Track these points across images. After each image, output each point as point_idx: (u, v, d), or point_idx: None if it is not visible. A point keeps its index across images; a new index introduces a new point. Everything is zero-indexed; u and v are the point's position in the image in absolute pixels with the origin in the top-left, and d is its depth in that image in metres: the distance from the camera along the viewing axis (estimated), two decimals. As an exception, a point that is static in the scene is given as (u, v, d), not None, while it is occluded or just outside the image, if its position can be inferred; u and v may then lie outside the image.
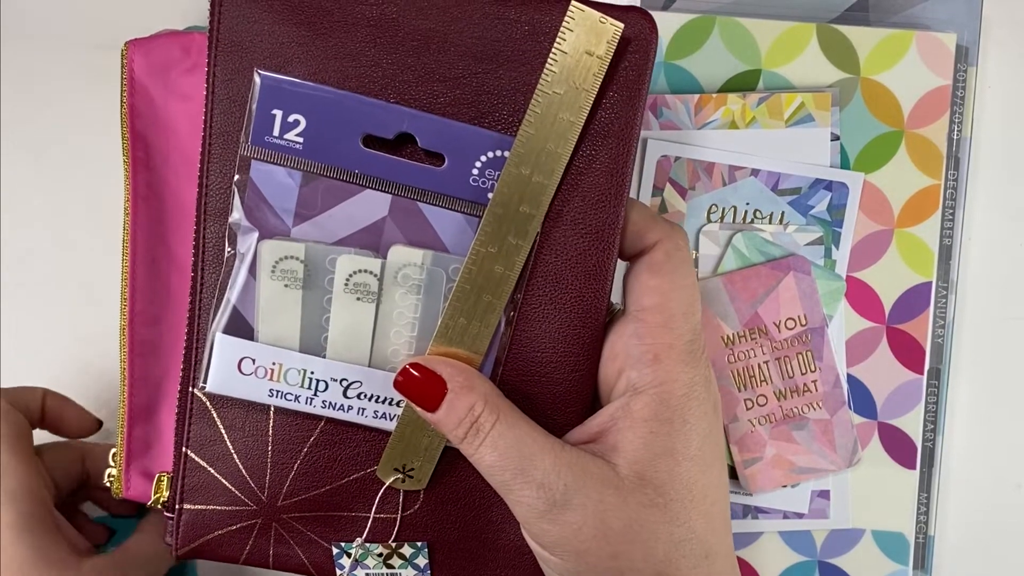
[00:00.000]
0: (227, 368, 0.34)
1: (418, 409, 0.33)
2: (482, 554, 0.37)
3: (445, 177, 0.33)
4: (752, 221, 0.45)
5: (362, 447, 0.36)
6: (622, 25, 0.32)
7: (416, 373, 0.33)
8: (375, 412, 0.35)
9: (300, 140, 0.33)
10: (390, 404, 0.35)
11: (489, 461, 0.32)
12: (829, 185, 0.45)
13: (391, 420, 0.35)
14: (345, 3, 0.33)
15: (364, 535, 0.36)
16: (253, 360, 0.34)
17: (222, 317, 0.34)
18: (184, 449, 0.36)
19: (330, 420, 0.35)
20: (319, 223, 0.34)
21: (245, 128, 0.33)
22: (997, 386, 0.50)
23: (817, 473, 0.45)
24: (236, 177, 0.34)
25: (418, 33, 0.33)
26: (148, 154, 0.43)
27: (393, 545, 0.37)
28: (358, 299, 0.34)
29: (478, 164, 0.33)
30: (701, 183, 0.45)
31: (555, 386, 0.35)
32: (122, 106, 0.43)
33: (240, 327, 0.34)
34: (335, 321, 0.34)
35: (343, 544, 0.37)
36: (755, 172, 0.45)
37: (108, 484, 0.44)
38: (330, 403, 0.35)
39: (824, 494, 0.46)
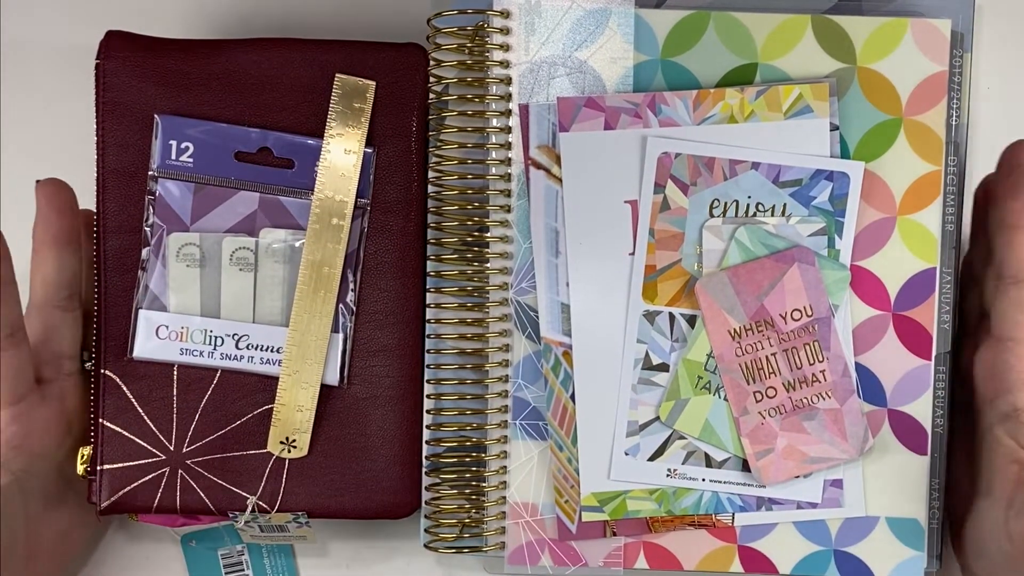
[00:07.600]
0: (148, 336, 0.46)
1: None
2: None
3: (295, 176, 0.47)
4: (754, 214, 0.45)
5: (255, 391, 0.46)
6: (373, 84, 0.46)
7: None
8: (261, 359, 0.46)
9: (191, 160, 0.46)
10: (272, 351, 0.46)
11: None
12: (830, 175, 0.45)
13: (275, 365, 0.46)
14: (198, 64, 0.46)
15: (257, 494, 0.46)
16: (167, 327, 0.46)
17: (143, 298, 0.46)
18: (100, 420, 0.46)
19: (226, 370, 0.46)
20: (209, 218, 0.46)
21: (152, 155, 0.46)
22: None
23: (829, 462, 0.45)
24: (148, 192, 0.46)
25: (257, 78, 0.46)
26: None
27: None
28: (240, 270, 0.46)
29: (318, 164, 0.46)
30: (702, 178, 0.45)
31: None
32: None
33: (155, 303, 0.46)
34: (225, 288, 0.46)
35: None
36: (756, 165, 0.45)
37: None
38: (226, 354, 0.46)
39: (837, 483, 0.46)
